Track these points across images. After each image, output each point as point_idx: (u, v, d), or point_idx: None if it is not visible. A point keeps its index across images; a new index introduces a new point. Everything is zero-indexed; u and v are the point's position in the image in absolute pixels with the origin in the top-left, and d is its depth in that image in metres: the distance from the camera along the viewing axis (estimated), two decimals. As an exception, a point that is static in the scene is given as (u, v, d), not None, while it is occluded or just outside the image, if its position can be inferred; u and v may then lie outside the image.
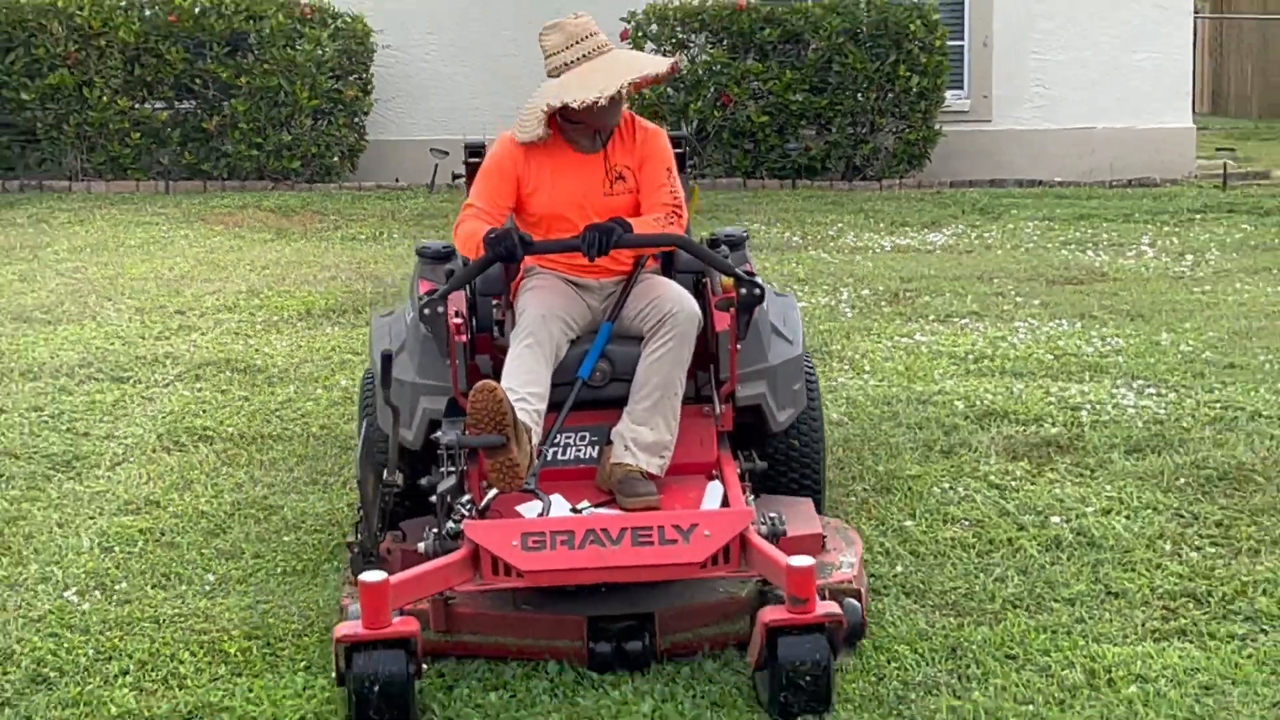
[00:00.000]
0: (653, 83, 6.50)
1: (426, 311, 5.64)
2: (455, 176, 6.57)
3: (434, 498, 5.50)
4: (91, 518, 6.81)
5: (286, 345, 9.06)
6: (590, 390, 5.76)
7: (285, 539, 6.63)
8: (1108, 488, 6.99)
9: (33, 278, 10.77)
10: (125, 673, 5.70)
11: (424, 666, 5.01)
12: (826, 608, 4.96)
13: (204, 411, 7.92)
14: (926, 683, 5.61)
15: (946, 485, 7.07)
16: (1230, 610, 6.07)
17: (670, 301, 5.75)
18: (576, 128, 5.97)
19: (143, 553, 6.51)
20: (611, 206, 5.89)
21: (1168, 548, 6.51)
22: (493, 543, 5.05)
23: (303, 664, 5.67)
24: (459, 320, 5.74)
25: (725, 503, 5.66)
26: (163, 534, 6.64)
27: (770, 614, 4.87)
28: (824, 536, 5.65)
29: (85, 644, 5.87)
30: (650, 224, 5.90)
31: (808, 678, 4.86)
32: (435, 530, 5.39)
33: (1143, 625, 5.99)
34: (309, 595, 6.17)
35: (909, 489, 7.05)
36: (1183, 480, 7.04)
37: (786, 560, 4.91)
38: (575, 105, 5.75)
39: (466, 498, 5.48)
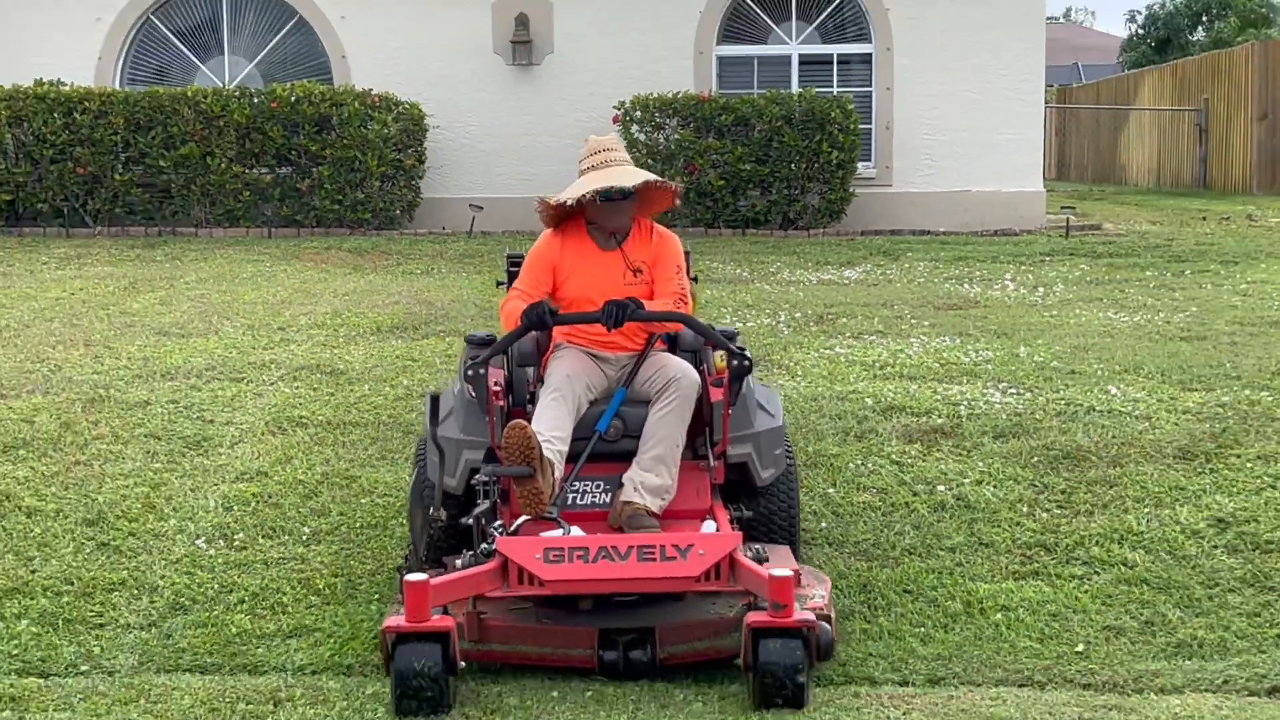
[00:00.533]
0: (660, 208, 5.88)
1: (470, 372, 5.32)
2: (499, 283, 6.22)
3: (470, 520, 5.19)
4: (215, 484, 6.84)
5: (362, 354, 9.04)
6: (605, 444, 5.35)
7: (362, 501, 6.66)
8: (980, 464, 7.04)
9: (169, 302, 10.75)
10: (242, 601, 5.79)
11: (462, 665, 4.74)
12: (803, 615, 4.64)
13: (300, 404, 7.91)
14: (845, 610, 5.72)
15: (859, 462, 7.10)
16: (1072, 557, 6.17)
17: (675, 370, 5.41)
18: (595, 227, 5.64)
19: (255, 511, 6.56)
20: (629, 295, 5.51)
21: (1025, 509, 6.59)
22: (520, 555, 4.77)
23: (376, 596, 5.74)
24: (499, 388, 5.43)
25: None
26: (270, 497, 6.68)
27: (754, 617, 4.60)
28: (800, 573, 5.12)
29: (211, 580, 5.95)
30: (660, 306, 5.58)
31: (784, 676, 4.56)
32: (471, 551, 5.12)
33: (1006, 568, 6.09)
34: (381, 544, 6.23)
35: (831, 464, 7.08)
36: (1036, 459, 7.07)
37: (769, 572, 4.63)
38: (564, 201, 5.51)
39: (498, 523, 5.16)
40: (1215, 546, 6.17)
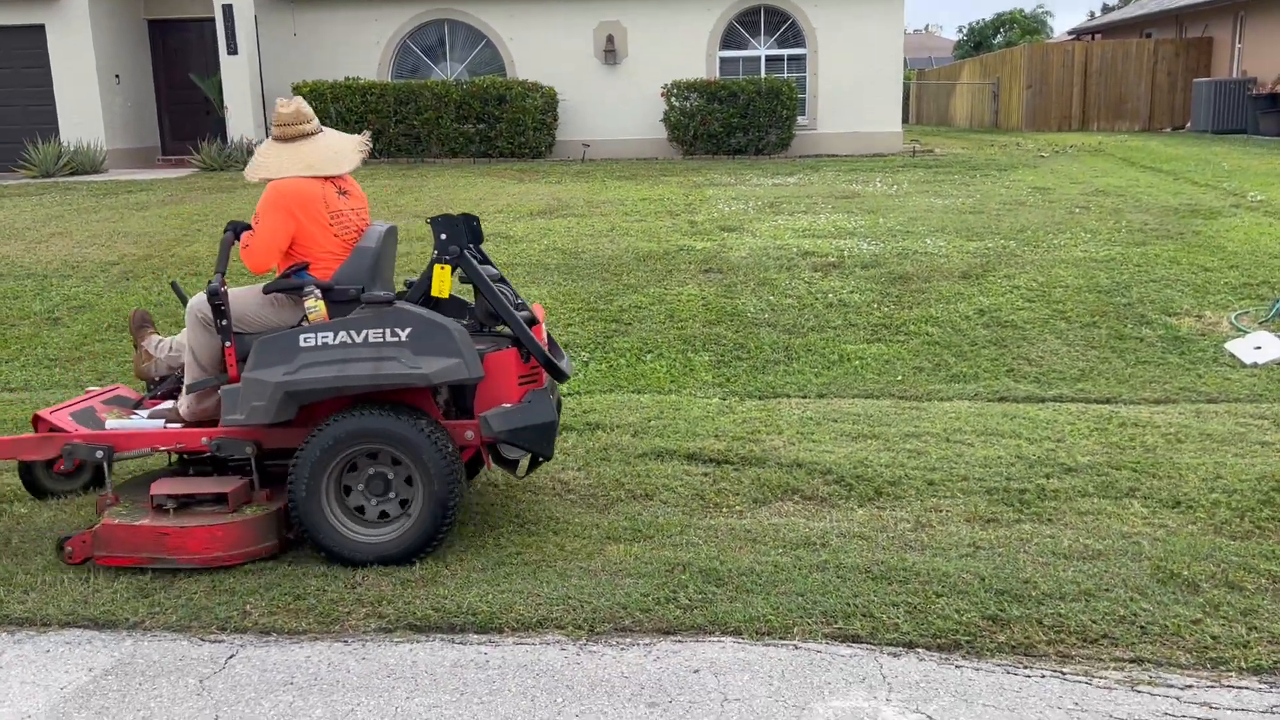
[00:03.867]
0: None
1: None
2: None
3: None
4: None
5: (522, 227, 8.98)
6: None
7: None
8: (853, 282, 6.98)
9: (419, 199, 10.67)
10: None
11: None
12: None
13: (491, 252, 7.67)
14: (773, 360, 5.70)
15: (787, 281, 7.05)
16: (899, 330, 6.14)
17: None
18: None
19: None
20: None
21: (875, 306, 6.55)
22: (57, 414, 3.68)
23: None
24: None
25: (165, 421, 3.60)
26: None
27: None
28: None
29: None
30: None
31: None
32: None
33: (863, 337, 6.09)
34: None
35: (772, 283, 7.02)
36: (884, 279, 7.02)
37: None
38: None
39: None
40: (976, 325, 6.18)
